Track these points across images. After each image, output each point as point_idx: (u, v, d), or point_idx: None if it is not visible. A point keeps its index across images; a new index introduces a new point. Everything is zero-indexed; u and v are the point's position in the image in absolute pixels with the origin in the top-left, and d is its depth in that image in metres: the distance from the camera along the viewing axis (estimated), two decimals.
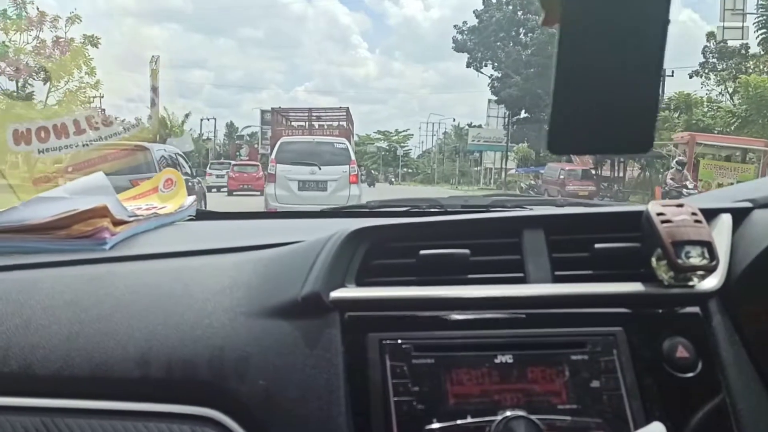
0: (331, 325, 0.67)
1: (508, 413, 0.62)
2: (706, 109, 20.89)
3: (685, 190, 10.56)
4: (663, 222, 0.67)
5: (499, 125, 39.56)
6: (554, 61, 0.44)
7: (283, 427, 0.63)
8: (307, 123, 24.64)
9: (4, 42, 16.08)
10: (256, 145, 37.22)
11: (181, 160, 8.83)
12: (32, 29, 16.44)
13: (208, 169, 25.46)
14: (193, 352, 0.66)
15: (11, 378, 0.66)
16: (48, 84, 17.58)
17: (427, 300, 0.69)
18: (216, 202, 13.06)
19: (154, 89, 17.42)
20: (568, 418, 0.63)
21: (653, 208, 0.69)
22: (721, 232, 0.73)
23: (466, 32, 39.94)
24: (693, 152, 15.31)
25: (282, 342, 0.66)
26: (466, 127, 49.00)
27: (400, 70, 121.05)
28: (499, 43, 37.99)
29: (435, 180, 47.71)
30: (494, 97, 39.36)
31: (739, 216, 0.75)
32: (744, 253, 0.70)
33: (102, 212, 0.89)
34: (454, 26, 40.95)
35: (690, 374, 0.65)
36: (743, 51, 23.55)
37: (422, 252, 0.73)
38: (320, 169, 8.50)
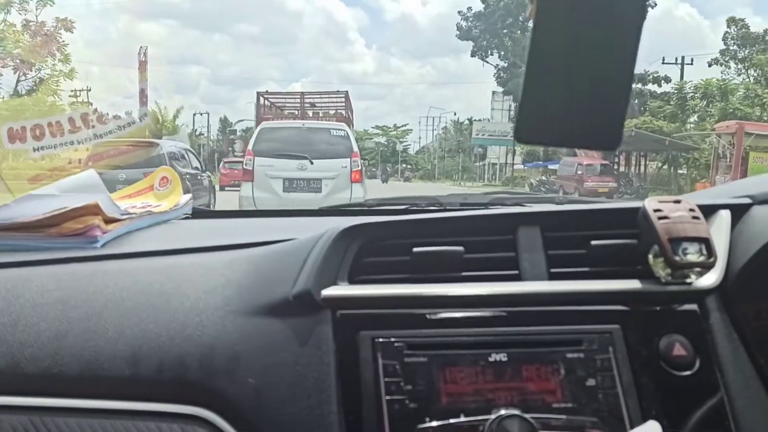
0: (323, 323, 0.66)
1: (502, 412, 0.61)
2: (742, 97, 19.31)
3: None
4: (660, 218, 0.66)
5: (504, 118, 38.45)
6: (526, 52, 0.46)
7: (273, 426, 0.62)
8: (299, 110, 20.79)
9: None
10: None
11: (190, 155, 8.70)
12: None
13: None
14: (184, 351, 0.66)
15: None
16: (17, 73, 16.40)
17: (420, 298, 0.68)
18: (223, 199, 12.03)
19: (143, 83, 16.63)
20: (563, 416, 0.62)
21: (650, 204, 0.69)
22: (720, 228, 0.72)
23: (471, 18, 38.43)
24: (742, 143, 13.49)
25: (273, 340, 0.66)
26: (467, 121, 48.46)
27: (397, 66, 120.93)
28: (506, 30, 36.62)
29: (436, 176, 47.42)
30: (500, 89, 38.37)
31: (738, 212, 0.74)
32: (743, 249, 0.70)
33: (93, 210, 0.88)
34: (459, 12, 39.49)
35: (687, 372, 0.65)
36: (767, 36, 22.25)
37: (416, 249, 0.73)
38: (312, 163, 6.41)
